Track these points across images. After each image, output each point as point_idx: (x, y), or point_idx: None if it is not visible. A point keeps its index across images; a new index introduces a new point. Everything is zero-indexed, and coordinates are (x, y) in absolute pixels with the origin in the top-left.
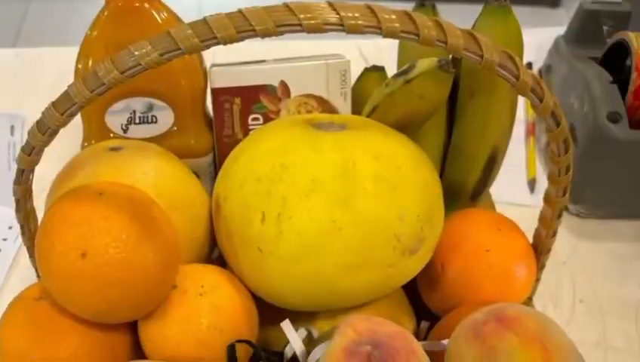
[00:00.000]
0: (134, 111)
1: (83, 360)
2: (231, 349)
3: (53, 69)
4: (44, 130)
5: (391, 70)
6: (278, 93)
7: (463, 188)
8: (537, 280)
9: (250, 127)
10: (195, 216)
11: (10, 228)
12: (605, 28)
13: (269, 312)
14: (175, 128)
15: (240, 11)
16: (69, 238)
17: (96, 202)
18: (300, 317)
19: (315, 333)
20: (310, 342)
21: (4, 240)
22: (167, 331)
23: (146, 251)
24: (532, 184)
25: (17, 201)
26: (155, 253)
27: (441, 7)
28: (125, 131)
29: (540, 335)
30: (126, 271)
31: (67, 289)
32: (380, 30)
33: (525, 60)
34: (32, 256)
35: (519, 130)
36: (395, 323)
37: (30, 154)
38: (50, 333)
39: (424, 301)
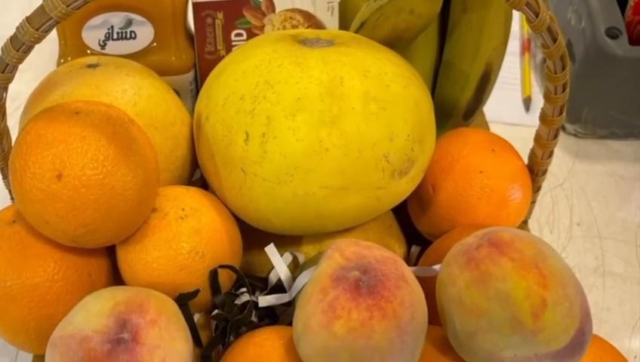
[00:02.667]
0: (112, 27)
1: (59, 286)
2: (213, 275)
3: None
4: (19, 47)
5: None
6: (262, 7)
7: (456, 107)
8: (533, 202)
9: (233, 44)
10: (175, 136)
11: None
12: None
13: (252, 236)
14: (155, 44)
15: None
16: (44, 159)
17: (73, 121)
18: (285, 241)
19: (301, 258)
20: (296, 268)
21: None
22: (146, 256)
23: (124, 172)
24: (527, 103)
25: None
26: (133, 175)
27: None
28: (103, 47)
29: (536, 260)
30: (103, 193)
31: (42, 212)
32: None
33: None
34: (5, 177)
35: (514, 46)
36: (385, 248)
37: (4, 72)
38: (25, 258)
39: (415, 225)
